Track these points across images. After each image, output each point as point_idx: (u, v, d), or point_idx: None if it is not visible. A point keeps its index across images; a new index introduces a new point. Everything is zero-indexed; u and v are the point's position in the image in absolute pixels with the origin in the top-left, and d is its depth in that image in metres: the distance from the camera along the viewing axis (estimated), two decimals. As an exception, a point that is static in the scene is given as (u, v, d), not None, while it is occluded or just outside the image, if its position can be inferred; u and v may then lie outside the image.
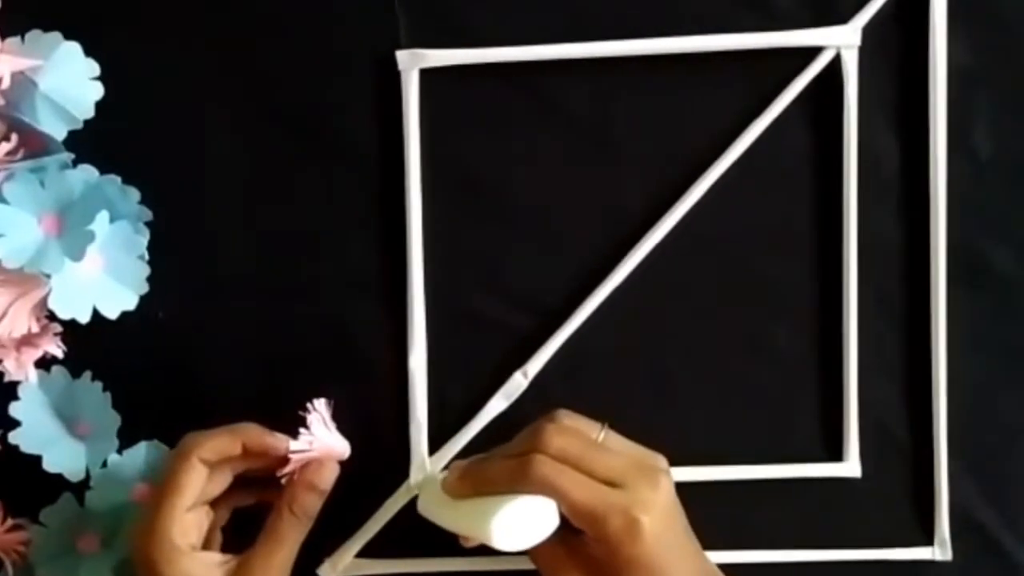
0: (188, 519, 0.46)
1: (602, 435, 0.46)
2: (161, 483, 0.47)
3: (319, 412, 0.48)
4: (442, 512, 0.48)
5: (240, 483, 0.49)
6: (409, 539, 0.51)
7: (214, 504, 0.49)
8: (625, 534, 0.43)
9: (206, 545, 0.48)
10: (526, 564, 0.50)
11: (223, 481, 0.48)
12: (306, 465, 0.47)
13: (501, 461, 0.46)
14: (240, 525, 0.50)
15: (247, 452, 0.47)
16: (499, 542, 0.45)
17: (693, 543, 0.46)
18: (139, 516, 0.48)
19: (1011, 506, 0.52)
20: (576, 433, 0.46)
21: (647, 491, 0.44)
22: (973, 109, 0.51)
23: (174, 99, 0.52)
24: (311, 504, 0.48)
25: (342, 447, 0.49)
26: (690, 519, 0.46)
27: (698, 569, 0.46)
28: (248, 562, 0.47)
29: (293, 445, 0.47)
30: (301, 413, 0.48)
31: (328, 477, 0.48)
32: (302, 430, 0.47)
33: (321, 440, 0.48)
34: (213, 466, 0.47)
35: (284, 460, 0.47)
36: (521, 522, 0.45)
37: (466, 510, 0.46)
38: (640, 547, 0.43)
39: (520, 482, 0.44)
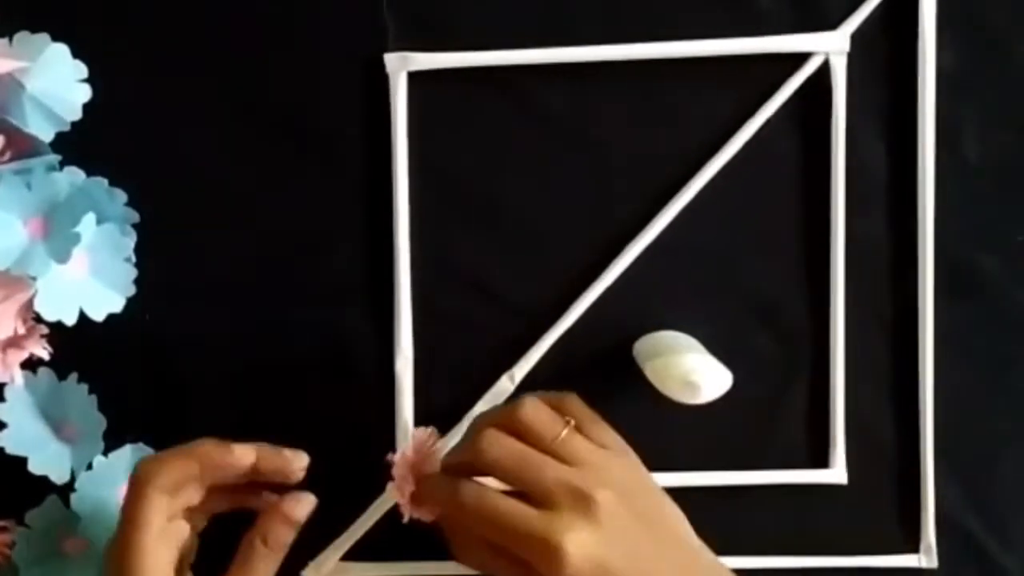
0: (159, 547, 0.44)
1: (563, 434, 0.43)
2: (121, 518, 0.44)
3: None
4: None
5: (215, 489, 0.47)
6: (393, 543, 0.51)
7: (189, 511, 0.46)
8: (543, 560, 0.40)
9: (182, 557, 0.46)
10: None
11: (193, 495, 0.46)
12: (282, 497, 0.46)
13: (450, 457, 0.45)
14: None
15: (206, 469, 0.45)
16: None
17: (661, 557, 0.43)
18: (109, 546, 0.45)
19: (997, 513, 0.52)
20: (526, 434, 0.43)
21: (573, 515, 0.41)
22: (962, 116, 0.51)
23: (162, 101, 0.52)
24: (285, 537, 0.46)
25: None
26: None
27: None
28: None
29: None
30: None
31: (305, 511, 0.46)
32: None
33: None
34: (173, 491, 0.45)
35: (252, 472, 0.46)
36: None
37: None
38: (564, 572, 0.40)
39: (454, 500, 0.42)
